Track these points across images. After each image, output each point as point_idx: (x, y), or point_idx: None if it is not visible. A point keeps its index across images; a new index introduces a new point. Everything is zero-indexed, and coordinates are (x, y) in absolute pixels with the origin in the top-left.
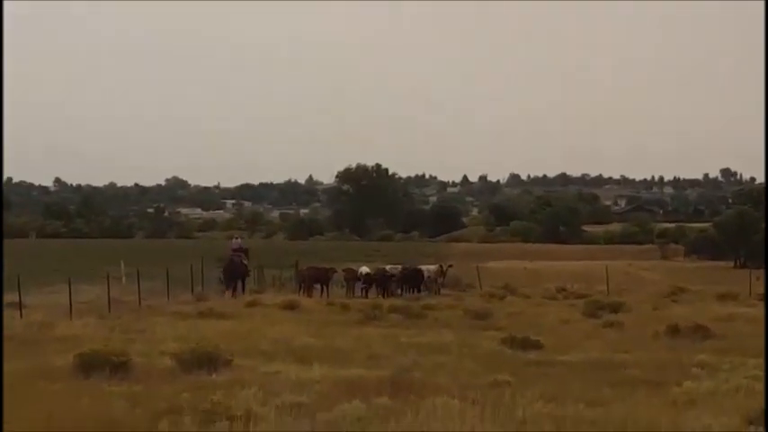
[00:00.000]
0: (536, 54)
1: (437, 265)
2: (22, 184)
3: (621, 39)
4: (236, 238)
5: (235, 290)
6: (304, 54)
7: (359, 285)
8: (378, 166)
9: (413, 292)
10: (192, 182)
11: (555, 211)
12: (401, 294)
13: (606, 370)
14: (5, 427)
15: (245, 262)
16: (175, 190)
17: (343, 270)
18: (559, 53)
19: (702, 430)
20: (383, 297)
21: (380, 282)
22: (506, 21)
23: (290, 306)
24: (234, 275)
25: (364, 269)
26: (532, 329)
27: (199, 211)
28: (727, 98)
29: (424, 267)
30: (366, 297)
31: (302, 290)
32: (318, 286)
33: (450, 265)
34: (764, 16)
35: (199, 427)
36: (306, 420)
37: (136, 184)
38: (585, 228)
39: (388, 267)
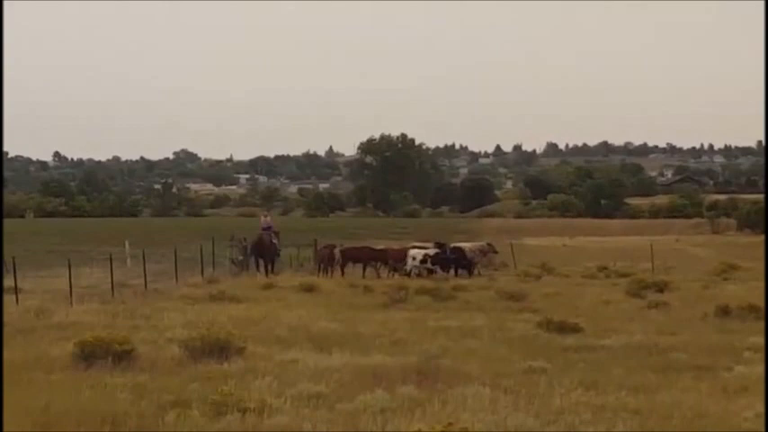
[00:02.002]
0: (579, 13)
1: (481, 243)
2: (18, 158)
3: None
4: (266, 215)
5: (264, 269)
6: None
7: (417, 268)
8: (403, 136)
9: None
10: (203, 155)
11: (596, 184)
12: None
13: (650, 354)
14: (5, 427)
15: (275, 241)
16: (184, 164)
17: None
18: (604, 11)
19: (755, 418)
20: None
21: (443, 264)
22: None
23: (309, 288)
24: (263, 254)
25: (417, 251)
26: (571, 311)
27: (210, 186)
28: None
29: (463, 245)
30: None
31: (321, 271)
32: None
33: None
34: (766, 15)
35: (208, 421)
36: (324, 412)
37: (142, 158)
38: (629, 201)
39: (414, 245)
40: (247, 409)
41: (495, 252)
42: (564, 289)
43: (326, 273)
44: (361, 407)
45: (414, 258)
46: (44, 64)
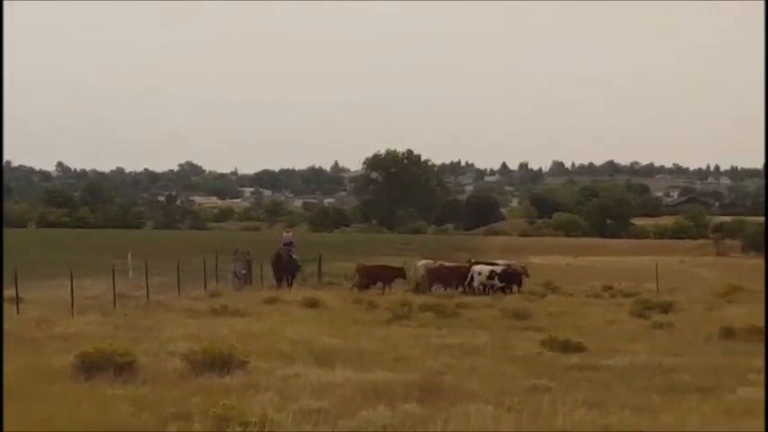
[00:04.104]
0: (584, 33)
1: (514, 263)
2: (21, 168)
3: (678, 22)
4: (288, 231)
5: (282, 284)
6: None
7: (482, 285)
8: (409, 152)
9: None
10: (207, 167)
11: (602, 203)
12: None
13: (654, 375)
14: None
15: (295, 256)
16: (189, 176)
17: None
18: (611, 30)
19: None
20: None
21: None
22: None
23: (312, 303)
24: (282, 270)
25: (481, 267)
26: (575, 331)
27: (214, 199)
28: None
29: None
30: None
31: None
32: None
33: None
34: (765, 15)
35: None
36: (326, 428)
37: (145, 170)
38: (635, 221)
39: (421, 263)
40: (249, 424)
41: (528, 276)
42: (568, 308)
43: (366, 289)
44: (362, 423)
45: (479, 274)
46: (48, 71)
